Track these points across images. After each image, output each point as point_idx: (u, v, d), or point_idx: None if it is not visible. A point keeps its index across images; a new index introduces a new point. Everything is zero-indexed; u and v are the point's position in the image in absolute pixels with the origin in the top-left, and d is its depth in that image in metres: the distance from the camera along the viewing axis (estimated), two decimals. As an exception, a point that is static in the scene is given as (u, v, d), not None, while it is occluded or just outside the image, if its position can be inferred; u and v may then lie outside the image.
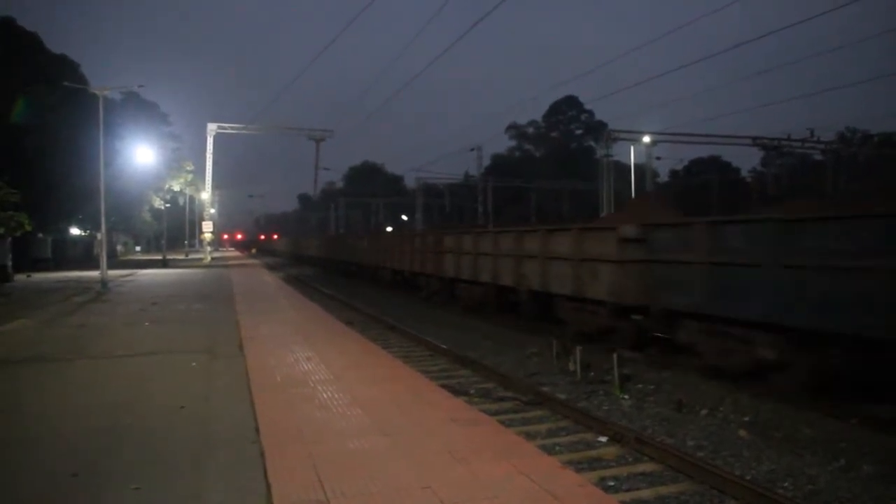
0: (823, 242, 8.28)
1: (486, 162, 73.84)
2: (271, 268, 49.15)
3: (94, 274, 29.43)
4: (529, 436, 7.35)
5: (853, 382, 8.64)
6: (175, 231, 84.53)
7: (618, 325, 12.43)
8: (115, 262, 44.91)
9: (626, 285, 11.72)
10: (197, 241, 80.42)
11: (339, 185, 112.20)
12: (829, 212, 8.96)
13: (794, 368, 8.84)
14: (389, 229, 65.49)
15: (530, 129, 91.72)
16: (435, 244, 22.46)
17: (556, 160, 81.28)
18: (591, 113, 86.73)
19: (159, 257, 52.94)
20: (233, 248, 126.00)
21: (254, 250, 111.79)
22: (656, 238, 11.24)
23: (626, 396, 9.54)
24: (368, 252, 32.97)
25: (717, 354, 10.01)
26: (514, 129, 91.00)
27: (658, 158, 51.31)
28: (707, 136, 47.09)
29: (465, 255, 19.40)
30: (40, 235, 43.09)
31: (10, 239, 28.77)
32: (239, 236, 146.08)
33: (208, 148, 54.21)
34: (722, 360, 9.90)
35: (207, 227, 56.32)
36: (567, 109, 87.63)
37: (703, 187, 65.64)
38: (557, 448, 7.16)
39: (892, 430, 7.55)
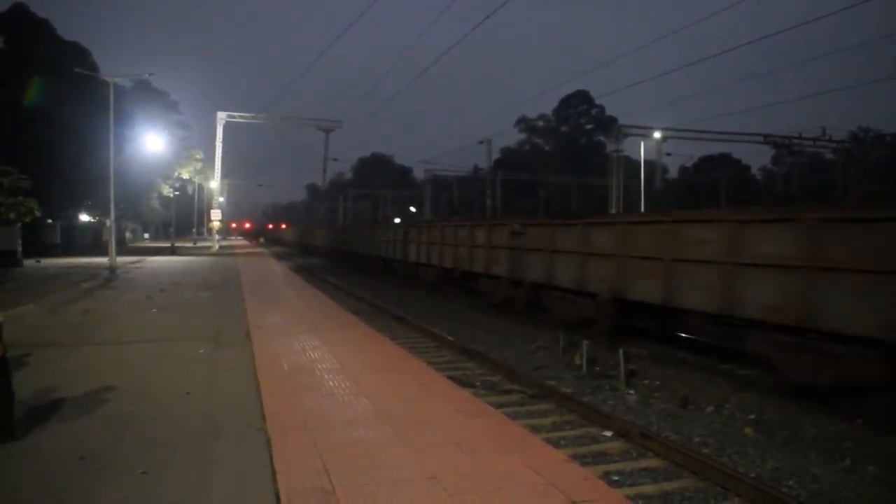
0: (594, 239, 13.23)
1: (496, 155, 73.67)
2: (279, 257, 49.23)
3: (103, 260, 29.55)
4: (535, 429, 7.35)
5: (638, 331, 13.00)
6: (183, 219, 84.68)
7: (515, 296, 16.45)
8: (123, 249, 45.08)
9: (514, 265, 16.46)
10: (205, 229, 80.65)
11: (348, 175, 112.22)
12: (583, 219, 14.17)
13: (600, 322, 12.89)
14: (397, 221, 65.47)
15: (540, 123, 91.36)
16: (404, 234, 26.94)
17: (566, 155, 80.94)
18: (601, 108, 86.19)
19: (167, 245, 53.18)
20: (241, 237, 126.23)
21: (261, 239, 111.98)
22: (528, 233, 15.87)
23: (632, 392, 9.54)
24: (363, 242, 35.77)
25: (560, 313, 14.38)
26: (524, 123, 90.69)
27: (668, 154, 51.12)
28: (717, 132, 46.86)
29: (423, 243, 24.08)
30: (49, 221, 43.25)
31: (19, 224, 28.89)
32: (247, 225, 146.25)
33: (218, 136, 54.27)
34: (564, 317, 14.13)
35: (216, 215, 56.42)
36: (577, 104, 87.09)
37: (712, 185, 65.44)
38: (562, 442, 7.17)
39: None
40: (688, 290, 10.54)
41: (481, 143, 61.97)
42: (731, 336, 10.40)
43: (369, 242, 33.96)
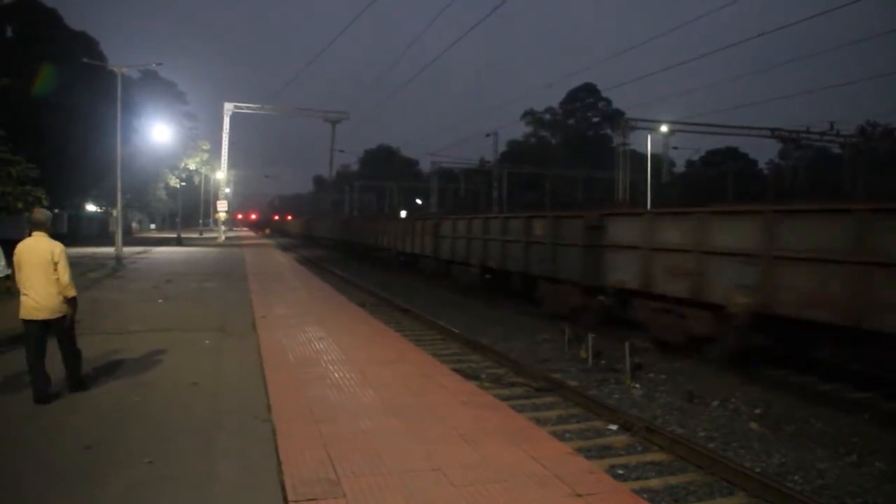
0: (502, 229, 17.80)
1: (503, 148, 73.57)
2: (284, 248, 49.33)
3: (109, 250, 29.64)
4: (540, 422, 7.35)
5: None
6: (190, 209, 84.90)
7: (482, 280, 19.63)
8: (129, 239, 45.20)
9: (482, 252, 19.23)
10: (211, 219, 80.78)
11: (355, 167, 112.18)
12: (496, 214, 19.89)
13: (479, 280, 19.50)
14: (404, 213, 65.41)
15: (547, 116, 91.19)
16: (385, 226, 32.10)
17: (573, 147, 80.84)
18: (608, 101, 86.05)
19: (174, 235, 53.19)
20: (246, 228, 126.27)
21: (267, 231, 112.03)
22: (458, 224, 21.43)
23: (638, 385, 9.53)
24: (362, 233, 37.81)
25: (459, 276, 21.20)
26: (531, 116, 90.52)
27: (675, 148, 50.96)
28: (725, 126, 46.69)
29: (406, 234, 27.54)
30: (56, 211, 43.25)
31: (27, 214, 28.95)
32: (253, 216, 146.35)
33: (224, 127, 54.31)
34: (459, 279, 21.08)
35: (222, 206, 56.39)
36: (585, 97, 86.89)
37: (718, 179, 65.22)
38: (568, 435, 7.16)
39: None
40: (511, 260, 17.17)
41: (488, 135, 61.99)
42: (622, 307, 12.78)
43: (367, 233, 36.19)
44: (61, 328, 6.88)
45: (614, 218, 13.20)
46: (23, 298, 6.67)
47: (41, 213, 7.08)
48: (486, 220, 19.24)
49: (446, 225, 22.39)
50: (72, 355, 7.10)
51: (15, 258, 6.76)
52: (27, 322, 6.70)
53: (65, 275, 6.73)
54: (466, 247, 20.22)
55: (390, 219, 36.70)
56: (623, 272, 12.43)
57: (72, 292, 6.83)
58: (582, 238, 13.65)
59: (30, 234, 6.91)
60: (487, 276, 19.15)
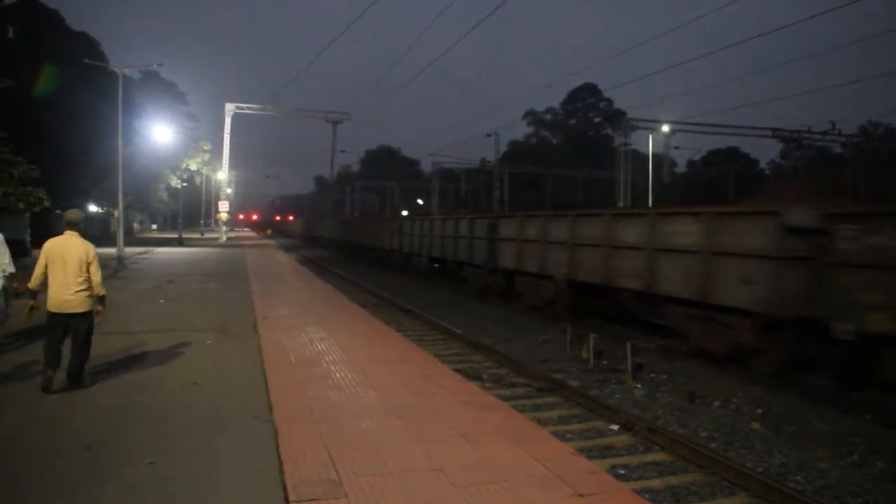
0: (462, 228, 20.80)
1: (504, 148, 73.56)
2: (286, 248, 49.32)
3: (111, 251, 29.60)
4: (541, 422, 7.34)
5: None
6: (191, 210, 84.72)
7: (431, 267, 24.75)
8: (131, 240, 45.19)
9: (429, 246, 24.33)
10: (213, 220, 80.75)
11: (356, 167, 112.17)
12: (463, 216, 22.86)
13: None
14: (405, 213, 65.35)
15: (548, 116, 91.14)
16: (376, 227, 35.20)
17: (574, 148, 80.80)
18: (609, 101, 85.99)
19: (175, 236, 53.15)
20: (248, 229, 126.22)
21: (269, 231, 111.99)
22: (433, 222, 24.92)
23: (639, 386, 9.52)
24: (361, 233, 39.39)
25: (416, 266, 26.55)
26: (532, 116, 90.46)
27: (676, 148, 50.87)
28: (726, 126, 46.57)
29: (386, 234, 31.47)
30: (58, 212, 43.25)
31: (28, 214, 28.95)
32: (254, 217, 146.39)
33: (226, 128, 54.31)
34: (418, 269, 25.98)
35: (223, 206, 56.43)
36: (586, 97, 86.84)
37: (720, 178, 65.20)
38: (569, 435, 7.16)
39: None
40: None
41: (489, 136, 61.97)
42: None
43: (365, 234, 37.67)
44: (85, 321, 7.24)
45: (503, 219, 18.57)
46: (50, 293, 7.04)
47: (76, 214, 7.53)
48: (431, 220, 25.16)
49: (406, 225, 28.20)
50: (84, 352, 7.34)
51: (43, 253, 7.10)
52: (54, 315, 7.09)
53: (97, 275, 7.23)
54: (420, 242, 25.73)
55: (378, 220, 42.27)
56: (507, 258, 17.41)
57: (102, 291, 7.33)
58: (486, 233, 18.81)
59: (59, 233, 7.32)
60: (435, 264, 25.11)
